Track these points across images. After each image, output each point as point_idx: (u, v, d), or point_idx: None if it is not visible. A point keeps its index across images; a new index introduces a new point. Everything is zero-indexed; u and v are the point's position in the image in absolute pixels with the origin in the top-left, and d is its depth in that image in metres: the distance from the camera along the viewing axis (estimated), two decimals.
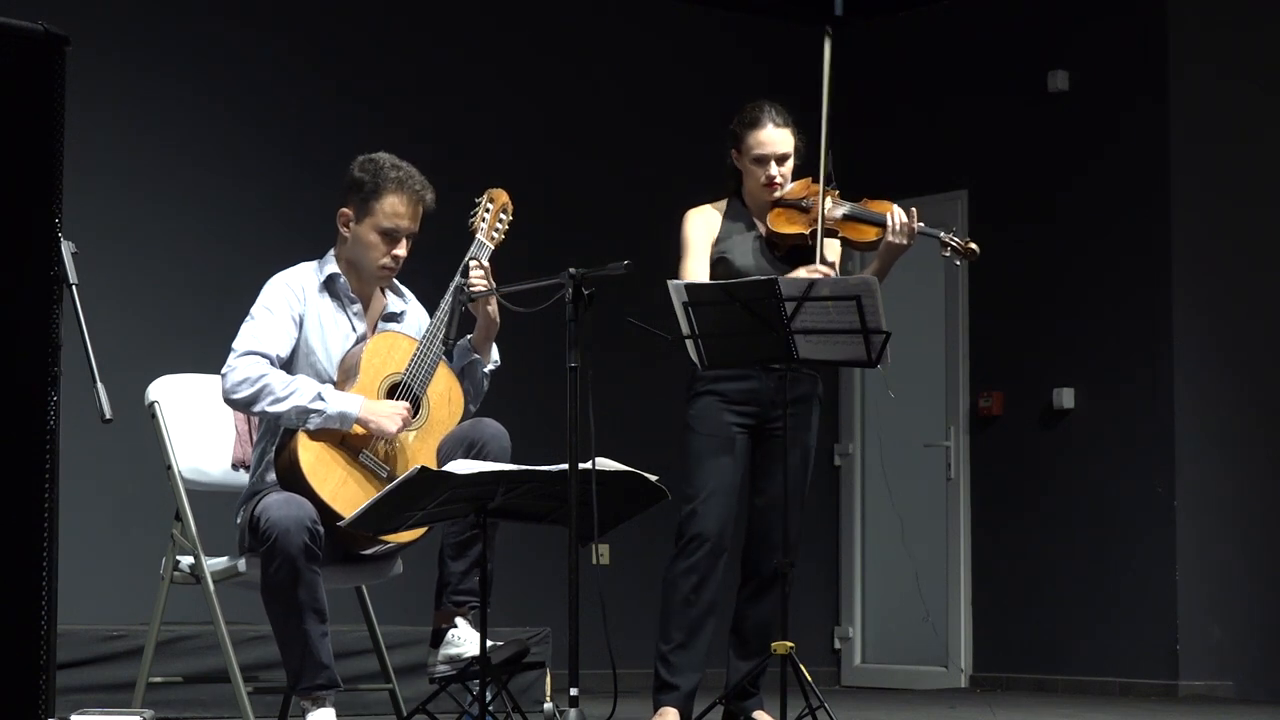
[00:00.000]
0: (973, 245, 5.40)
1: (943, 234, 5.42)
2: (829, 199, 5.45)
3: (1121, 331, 8.84)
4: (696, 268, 5.48)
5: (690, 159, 9.50)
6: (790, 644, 5.00)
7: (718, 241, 5.52)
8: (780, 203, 5.51)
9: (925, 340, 9.41)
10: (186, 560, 5.03)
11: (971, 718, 7.22)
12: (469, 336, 5.16)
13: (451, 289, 4.97)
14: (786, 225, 5.47)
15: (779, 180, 5.49)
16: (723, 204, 5.60)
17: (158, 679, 5.52)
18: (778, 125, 5.50)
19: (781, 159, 5.49)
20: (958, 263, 5.48)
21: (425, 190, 5.02)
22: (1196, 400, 8.70)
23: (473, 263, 5.03)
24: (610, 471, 4.63)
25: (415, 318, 5.17)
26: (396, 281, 5.15)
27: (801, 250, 5.47)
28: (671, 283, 5.04)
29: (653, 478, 4.76)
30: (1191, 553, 8.59)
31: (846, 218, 5.45)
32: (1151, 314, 8.72)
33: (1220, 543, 8.71)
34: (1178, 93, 8.75)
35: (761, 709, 5.50)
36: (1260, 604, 8.78)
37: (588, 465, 4.53)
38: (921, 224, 5.40)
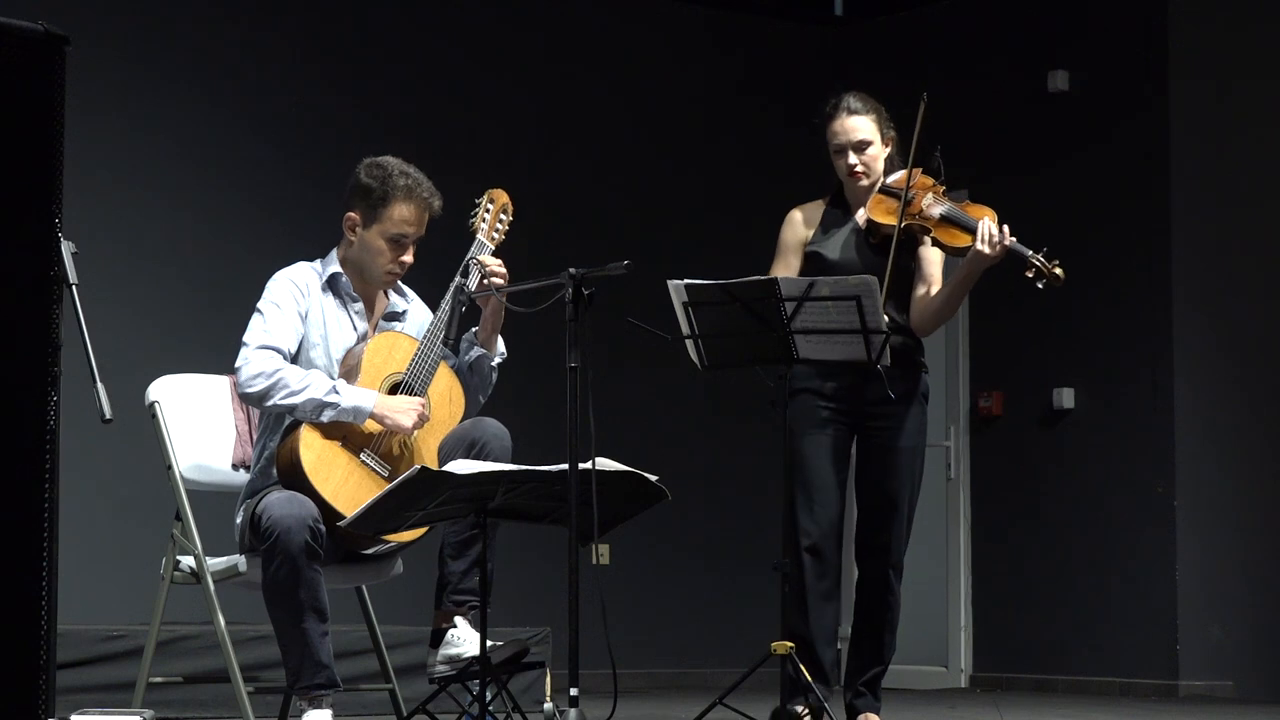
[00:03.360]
0: (1058, 270, 5.29)
1: (1030, 254, 5.29)
2: (929, 195, 5.39)
3: (1121, 331, 8.84)
4: (777, 273, 5.43)
5: (691, 159, 9.53)
6: (790, 644, 5.00)
7: (812, 238, 5.49)
8: (884, 189, 5.44)
9: (925, 340, 9.39)
10: (187, 560, 5.02)
11: (971, 718, 7.22)
12: (474, 330, 5.16)
13: (452, 289, 4.98)
14: (883, 215, 5.39)
15: (860, 169, 5.42)
16: (824, 200, 5.56)
17: (158, 679, 5.52)
18: (851, 113, 5.44)
19: (859, 146, 5.43)
20: (1040, 285, 5.33)
21: (433, 197, 5.02)
22: (1196, 400, 8.70)
23: (475, 261, 5.03)
24: (610, 471, 4.63)
25: (417, 317, 5.17)
26: (399, 281, 5.16)
27: (900, 241, 5.41)
28: (671, 283, 5.03)
29: (653, 478, 4.75)
30: (1191, 553, 8.59)
31: (944, 218, 5.34)
32: (1151, 314, 8.72)
33: (1220, 543, 8.70)
34: (1178, 93, 8.75)
35: (872, 712, 5.49)
36: (1260, 604, 8.78)
37: (588, 465, 4.53)
38: (1012, 240, 5.29)
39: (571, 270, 4.59)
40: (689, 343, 5.07)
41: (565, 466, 4.49)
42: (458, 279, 5.00)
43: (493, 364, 5.16)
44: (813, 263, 5.45)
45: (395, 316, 5.14)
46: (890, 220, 5.37)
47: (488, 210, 5.17)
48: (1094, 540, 8.82)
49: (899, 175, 5.46)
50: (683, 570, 9.33)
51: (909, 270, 5.45)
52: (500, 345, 5.18)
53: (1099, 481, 8.84)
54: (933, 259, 5.47)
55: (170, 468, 5.09)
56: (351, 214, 5.04)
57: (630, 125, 9.47)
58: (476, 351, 5.15)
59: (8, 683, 3.33)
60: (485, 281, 4.98)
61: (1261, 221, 8.98)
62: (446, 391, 5.03)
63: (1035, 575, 9.03)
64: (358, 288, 5.07)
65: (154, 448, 5.12)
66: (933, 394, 9.40)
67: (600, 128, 9.38)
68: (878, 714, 5.51)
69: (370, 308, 5.11)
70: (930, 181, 5.42)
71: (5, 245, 3.42)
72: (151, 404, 5.13)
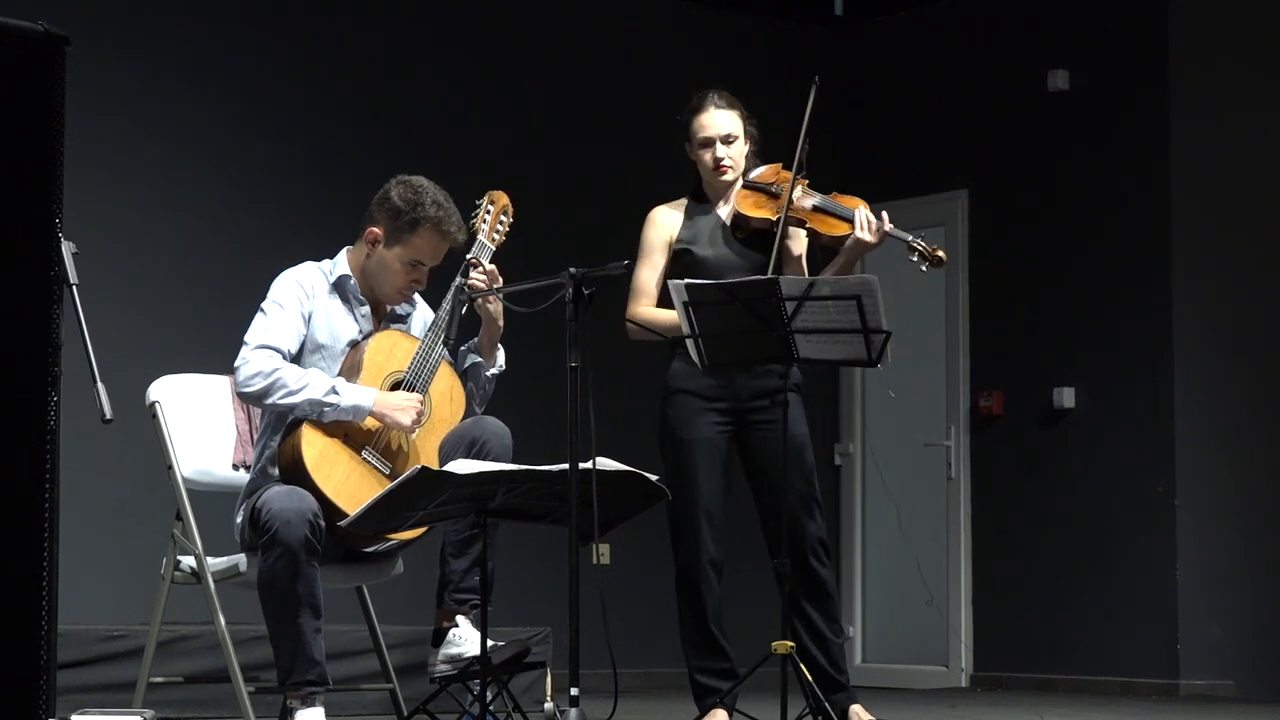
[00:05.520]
0: (940, 253, 5.38)
1: (910, 238, 5.39)
2: (799, 188, 5.45)
3: (1121, 331, 8.84)
4: (646, 274, 5.52)
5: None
6: (790, 644, 5.01)
7: (680, 236, 5.53)
8: (748, 184, 5.52)
9: (925, 340, 9.40)
10: (187, 560, 5.03)
11: (971, 718, 7.21)
12: (474, 340, 5.16)
13: (453, 289, 4.99)
14: (753, 209, 5.47)
15: (727, 162, 5.51)
16: (683, 200, 5.64)
17: (158, 679, 5.52)
18: (719, 107, 5.57)
19: (726, 139, 5.52)
20: (924, 269, 5.42)
21: (460, 232, 5.04)
22: (1196, 400, 8.70)
23: (475, 263, 5.04)
24: (610, 471, 4.63)
25: (421, 319, 5.18)
26: None
27: (765, 235, 5.46)
28: (671, 282, 5.04)
29: (653, 477, 4.76)
30: (1191, 553, 8.58)
31: (816, 209, 5.45)
32: (1151, 314, 8.72)
33: (1220, 543, 8.70)
34: (1178, 92, 8.75)
35: (856, 703, 5.47)
36: (1260, 604, 8.78)
37: (588, 465, 4.53)
38: (891, 226, 5.39)
39: (571, 270, 4.60)
40: (689, 343, 5.07)
41: (565, 466, 4.49)
42: (458, 279, 5.01)
43: (489, 374, 5.15)
44: (682, 260, 5.50)
45: (400, 319, 5.15)
46: (762, 213, 5.45)
47: (488, 212, 5.18)
48: (1094, 540, 8.82)
49: (763, 170, 5.56)
50: None
51: (778, 262, 5.46)
52: (500, 358, 5.18)
53: (1099, 481, 8.84)
54: (798, 250, 5.55)
55: (170, 468, 5.10)
56: (374, 229, 5.02)
57: (630, 125, 9.46)
58: (472, 358, 5.15)
59: (8, 683, 3.33)
60: (471, 278, 4.99)
61: (1262, 221, 8.98)
62: (448, 390, 5.03)
63: (1035, 575, 9.03)
64: (365, 292, 5.08)
65: (154, 448, 5.13)
66: (932, 393, 9.52)
67: (600, 127, 9.37)
68: (857, 701, 5.48)
69: (376, 311, 5.11)
70: (788, 174, 5.47)
71: (5, 245, 3.42)
72: (152, 404, 5.13)
